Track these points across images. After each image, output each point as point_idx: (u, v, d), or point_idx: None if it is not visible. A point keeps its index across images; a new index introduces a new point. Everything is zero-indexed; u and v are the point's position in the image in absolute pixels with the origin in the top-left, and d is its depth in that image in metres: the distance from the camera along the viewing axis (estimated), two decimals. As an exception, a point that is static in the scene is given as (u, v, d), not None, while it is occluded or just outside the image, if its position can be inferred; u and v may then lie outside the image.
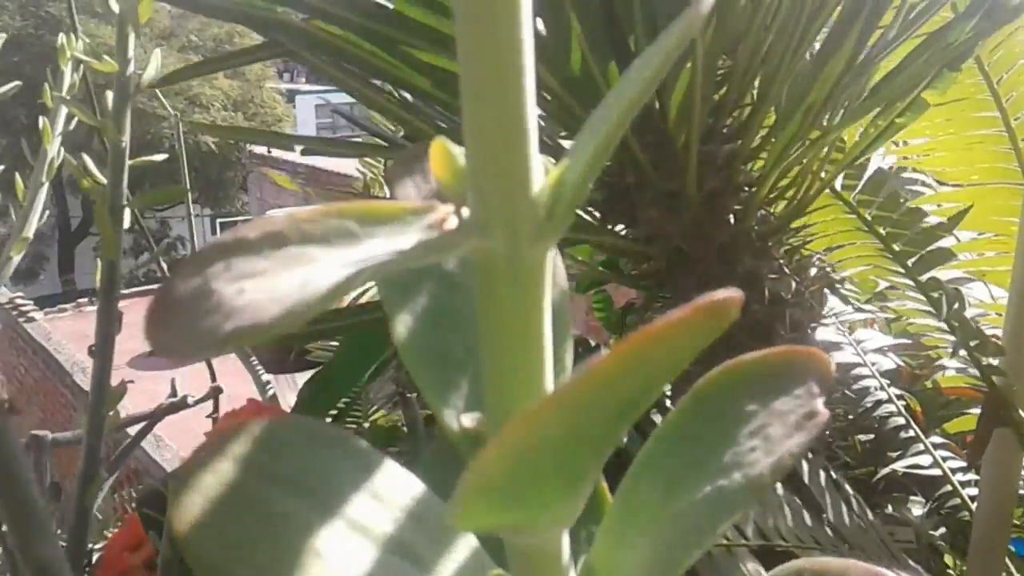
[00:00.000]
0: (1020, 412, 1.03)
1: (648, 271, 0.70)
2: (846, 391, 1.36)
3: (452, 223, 0.23)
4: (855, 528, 0.73)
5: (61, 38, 0.79)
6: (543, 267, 0.22)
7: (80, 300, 9.21)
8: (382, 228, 0.23)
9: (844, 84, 0.57)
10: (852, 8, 0.54)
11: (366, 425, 0.97)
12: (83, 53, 0.72)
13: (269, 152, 11.49)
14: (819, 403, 0.30)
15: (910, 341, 1.43)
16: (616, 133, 0.23)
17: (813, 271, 0.76)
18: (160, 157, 0.71)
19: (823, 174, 0.69)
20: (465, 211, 0.23)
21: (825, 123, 0.61)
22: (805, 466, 0.73)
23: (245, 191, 14.16)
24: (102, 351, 0.68)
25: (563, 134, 0.74)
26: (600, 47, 0.55)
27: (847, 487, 0.79)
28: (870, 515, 0.76)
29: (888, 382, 1.46)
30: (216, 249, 0.21)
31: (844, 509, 0.73)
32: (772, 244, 0.72)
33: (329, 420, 0.99)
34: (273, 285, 0.21)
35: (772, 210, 0.73)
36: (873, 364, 1.49)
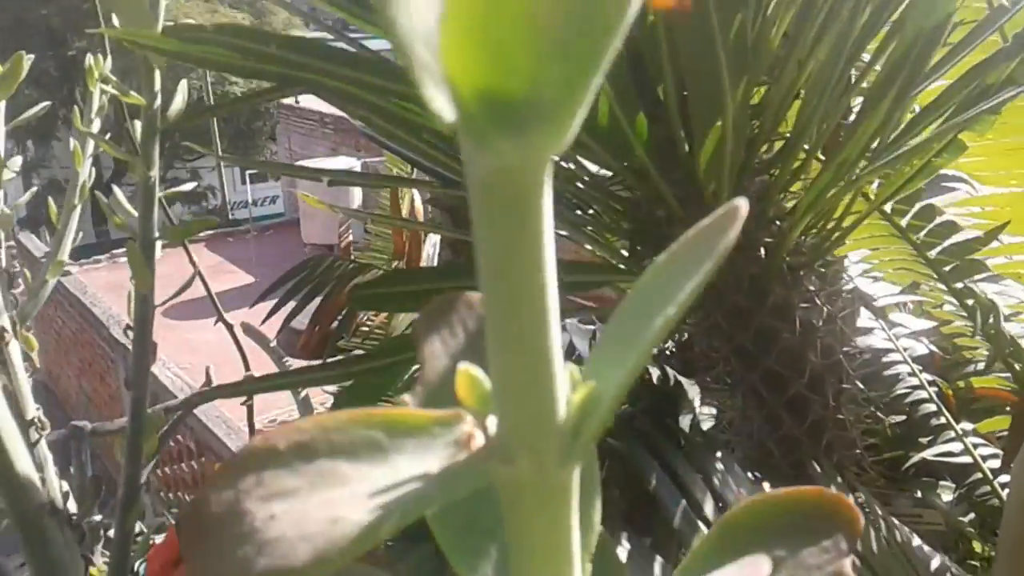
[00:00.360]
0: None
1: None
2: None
3: (479, 439, 0.23)
4: (884, 555, 0.73)
5: (89, 59, 0.79)
6: (570, 486, 0.22)
7: (114, 251, 9.29)
8: (409, 441, 0.23)
9: (879, 135, 0.56)
10: (890, 71, 0.53)
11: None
12: (111, 82, 0.71)
13: (297, 103, 11.46)
14: (847, 565, 0.30)
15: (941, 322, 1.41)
16: (647, 355, 0.23)
17: (844, 294, 0.76)
18: (189, 186, 0.72)
19: (854, 209, 0.68)
20: (492, 422, 0.23)
21: (859, 169, 0.60)
22: (834, 491, 0.72)
23: (274, 141, 14.15)
24: (137, 383, 0.69)
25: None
26: (627, 99, 0.55)
27: (876, 507, 0.79)
28: (899, 537, 0.76)
29: (921, 368, 1.45)
30: (248, 458, 0.22)
31: (872, 535, 0.73)
32: (804, 274, 0.71)
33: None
34: (303, 514, 0.21)
35: (803, 239, 0.72)
36: (906, 350, 1.48)
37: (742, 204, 0.23)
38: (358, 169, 7.84)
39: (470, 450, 0.24)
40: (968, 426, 1.35)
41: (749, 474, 0.66)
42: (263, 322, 1.12)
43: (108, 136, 0.86)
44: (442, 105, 0.19)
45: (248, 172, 13.51)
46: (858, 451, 0.80)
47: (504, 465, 0.23)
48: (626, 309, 0.26)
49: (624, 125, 0.54)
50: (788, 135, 0.64)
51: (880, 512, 0.79)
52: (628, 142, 0.56)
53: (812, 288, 0.72)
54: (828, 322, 0.73)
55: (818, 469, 0.73)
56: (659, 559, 0.56)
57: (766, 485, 0.66)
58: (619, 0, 0.17)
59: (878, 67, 0.57)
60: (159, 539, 0.95)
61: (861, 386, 0.79)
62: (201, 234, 9.15)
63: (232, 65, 0.57)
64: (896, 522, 0.88)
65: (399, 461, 0.23)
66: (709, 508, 0.61)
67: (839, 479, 0.73)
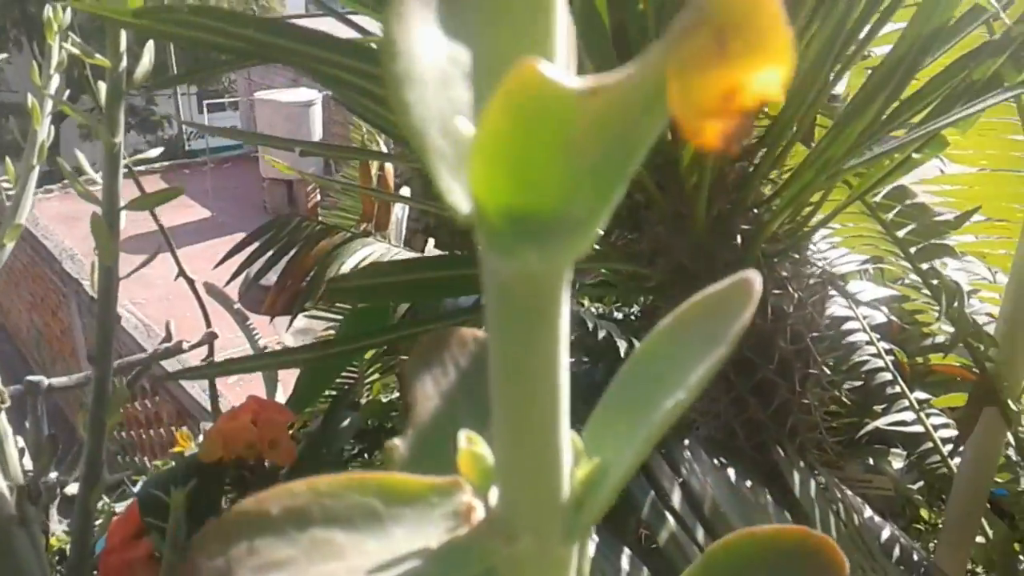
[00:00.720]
0: (1008, 397, 1.04)
1: (650, 287, 0.69)
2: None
3: (479, 511, 0.22)
4: (843, 539, 0.74)
5: (48, 11, 0.75)
6: (570, 560, 0.22)
7: (67, 180, 9.04)
8: (406, 510, 0.23)
9: (863, 140, 0.56)
10: (884, 74, 0.52)
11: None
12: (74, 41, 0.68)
13: (258, 32, 11.10)
14: (832, 614, 0.30)
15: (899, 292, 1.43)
16: (655, 439, 0.22)
17: (815, 278, 0.76)
18: (155, 152, 0.69)
19: (831, 197, 0.68)
20: (493, 494, 0.23)
21: (840, 164, 0.60)
22: (796, 476, 0.74)
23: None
24: (101, 357, 0.68)
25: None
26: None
27: (836, 491, 0.80)
28: (857, 520, 0.78)
29: (879, 336, 1.47)
30: (239, 522, 0.21)
31: (832, 520, 0.74)
32: (778, 260, 0.71)
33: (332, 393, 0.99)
34: (298, 592, 0.21)
35: (781, 227, 0.71)
36: (865, 318, 1.50)
37: (755, 279, 0.23)
38: (318, 101, 7.66)
39: (470, 523, 0.23)
40: (922, 396, 1.38)
41: (715, 460, 0.67)
42: (227, 284, 1.10)
43: (67, 92, 0.83)
44: (459, 199, 0.18)
45: (205, 101, 13.14)
46: (820, 433, 0.81)
47: (507, 543, 0.22)
48: (631, 375, 0.25)
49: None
50: (771, 120, 0.64)
51: (839, 495, 0.80)
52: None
53: (785, 274, 0.72)
54: (799, 308, 0.74)
55: (782, 453, 0.74)
56: (627, 551, 0.57)
57: (731, 472, 0.67)
58: (651, 119, 0.16)
59: (870, 56, 0.56)
60: (120, 508, 0.94)
61: (827, 370, 0.80)
62: (156, 165, 8.91)
63: (206, 43, 0.55)
64: (850, 494, 0.90)
65: (396, 532, 0.23)
66: (676, 497, 0.62)
67: (801, 464, 0.74)
